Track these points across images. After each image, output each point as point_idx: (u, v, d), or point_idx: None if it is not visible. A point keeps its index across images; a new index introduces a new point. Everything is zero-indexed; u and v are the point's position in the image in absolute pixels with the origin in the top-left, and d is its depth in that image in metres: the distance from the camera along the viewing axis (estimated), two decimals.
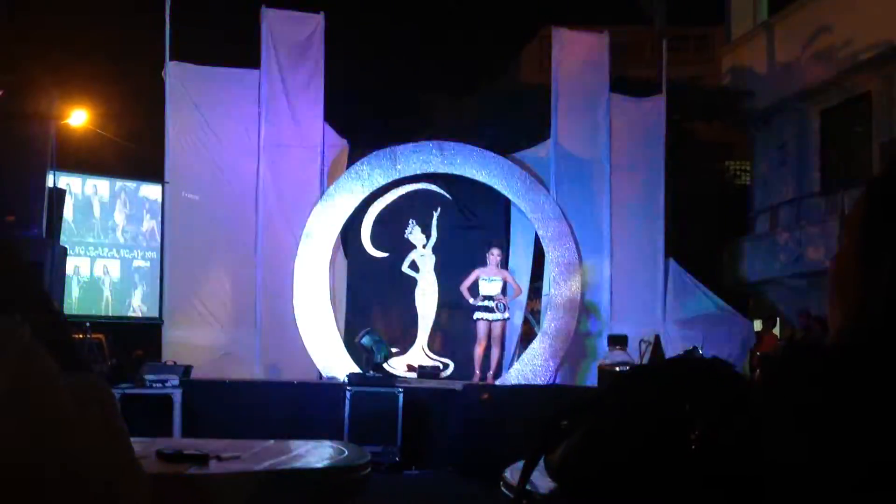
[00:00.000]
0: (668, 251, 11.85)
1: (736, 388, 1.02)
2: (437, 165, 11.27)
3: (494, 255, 10.79)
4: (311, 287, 10.63)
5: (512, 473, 2.93)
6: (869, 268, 1.01)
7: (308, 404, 9.00)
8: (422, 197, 11.63)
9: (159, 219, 10.31)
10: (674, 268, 11.85)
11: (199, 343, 10.03)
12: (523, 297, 11.60)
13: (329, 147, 11.23)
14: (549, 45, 12.31)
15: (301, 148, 10.99)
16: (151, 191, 10.37)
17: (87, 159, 11.89)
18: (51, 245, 7.90)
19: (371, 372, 9.86)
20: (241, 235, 10.64)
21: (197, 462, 2.93)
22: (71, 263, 9.21)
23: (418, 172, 11.32)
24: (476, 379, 10.46)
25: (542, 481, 1.24)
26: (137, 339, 10.86)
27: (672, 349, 10.56)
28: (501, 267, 10.99)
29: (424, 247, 11.53)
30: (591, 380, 10.10)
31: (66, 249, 8.51)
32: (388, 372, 10.50)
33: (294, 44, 11.11)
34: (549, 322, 11.17)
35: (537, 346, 11.13)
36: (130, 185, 10.33)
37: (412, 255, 11.52)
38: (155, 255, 10.28)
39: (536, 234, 11.44)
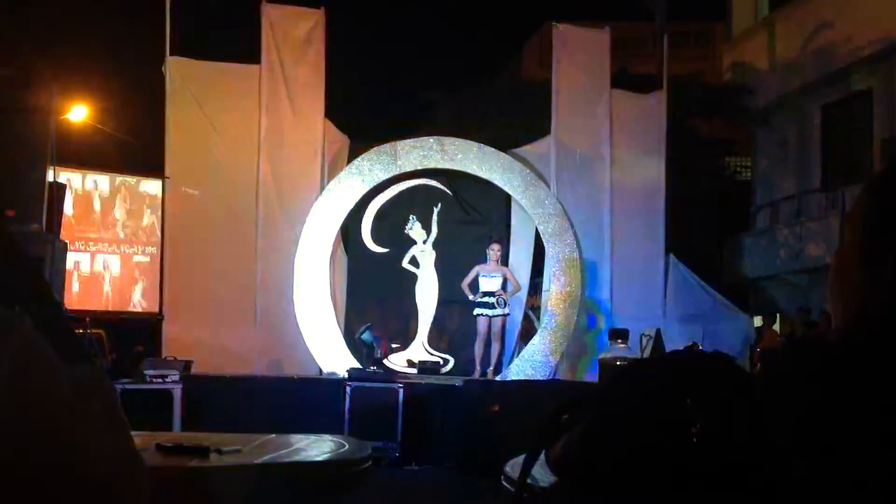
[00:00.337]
0: (668, 247, 11.85)
1: (736, 383, 1.02)
2: (438, 161, 11.27)
3: (494, 250, 10.79)
4: (311, 282, 10.64)
5: (513, 468, 2.94)
6: (871, 264, 1.02)
7: (308, 400, 9.00)
8: (422, 193, 11.62)
9: (159, 214, 10.31)
10: (674, 264, 11.85)
11: (199, 338, 10.03)
12: (523, 293, 11.60)
13: (329, 142, 11.23)
14: (549, 41, 12.29)
15: (301, 143, 10.99)
16: (151, 186, 10.36)
17: (87, 154, 11.88)
18: (51, 240, 7.89)
19: (371, 367, 9.87)
20: (242, 231, 10.64)
21: (197, 455, 2.93)
22: (71, 259, 9.20)
23: (418, 168, 11.31)
24: (477, 375, 10.47)
25: (542, 475, 1.24)
26: (137, 334, 10.86)
27: (672, 345, 10.55)
28: (501, 263, 10.99)
29: (425, 242, 11.52)
30: (592, 375, 10.10)
31: (66, 244, 8.50)
32: (388, 367, 10.51)
33: (294, 39, 11.10)
34: (550, 318, 11.17)
35: (537, 342, 11.13)
36: (131, 180, 10.32)
37: (412, 251, 11.52)
38: (155, 250, 10.28)
39: (537, 230, 11.43)
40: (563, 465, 1.13)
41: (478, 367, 10.60)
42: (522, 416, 7.81)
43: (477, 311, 10.63)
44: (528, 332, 11.71)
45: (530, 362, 10.99)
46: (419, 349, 11.38)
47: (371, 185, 11.13)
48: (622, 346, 9.28)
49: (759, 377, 1.06)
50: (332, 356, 10.49)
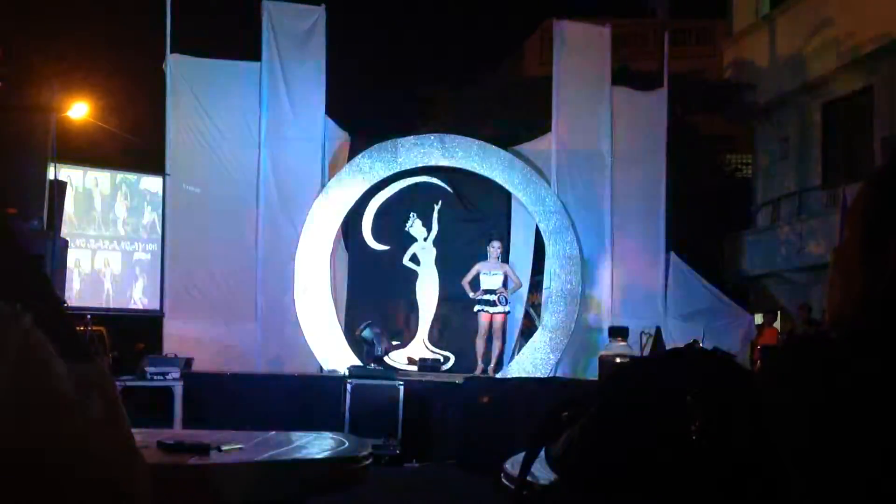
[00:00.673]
0: (669, 244, 11.84)
1: (736, 381, 1.02)
2: (438, 158, 11.27)
3: (495, 247, 10.80)
4: (311, 280, 10.64)
5: (513, 465, 2.94)
6: (871, 259, 1.01)
7: (309, 397, 9.01)
8: (423, 190, 11.62)
9: (160, 211, 10.30)
10: (675, 261, 11.84)
11: (199, 336, 10.04)
12: (524, 291, 11.60)
13: (330, 140, 11.23)
14: (550, 38, 12.28)
15: (302, 140, 10.99)
16: (152, 183, 10.36)
17: (87, 152, 11.88)
18: (51, 238, 7.90)
19: (372, 365, 9.87)
20: (242, 228, 10.65)
21: (198, 452, 2.93)
22: (72, 256, 9.19)
23: (419, 165, 11.31)
24: (479, 371, 10.48)
25: (542, 472, 1.24)
26: (138, 331, 10.87)
27: (673, 343, 10.55)
28: (502, 260, 10.99)
29: (425, 240, 11.52)
30: (592, 373, 10.10)
31: (66, 242, 8.50)
32: (388, 365, 10.51)
33: (295, 36, 11.09)
34: (550, 315, 11.17)
35: (538, 340, 11.14)
36: (131, 177, 10.32)
37: (413, 248, 11.52)
38: (156, 247, 10.28)
39: (537, 228, 11.43)
40: (562, 462, 1.13)
41: (480, 364, 10.61)
42: (522, 414, 7.83)
43: (478, 307, 10.64)
44: (528, 330, 11.71)
45: (531, 360, 11.00)
46: (420, 346, 11.39)
47: (372, 183, 11.13)
48: (622, 343, 9.30)
49: (759, 375, 1.06)
50: (333, 353, 10.50)
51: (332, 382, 9.42)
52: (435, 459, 8.84)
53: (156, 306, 10.23)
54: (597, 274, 11.50)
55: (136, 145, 13.66)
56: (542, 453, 1.18)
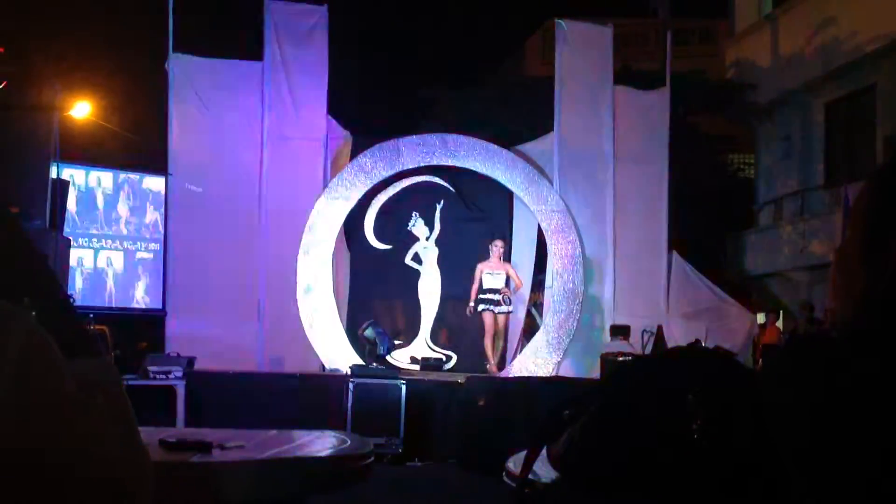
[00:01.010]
0: (671, 244, 11.84)
1: (738, 380, 1.03)
2: (441, 158, 11.27)
3: (498, 247, 10.82)
4: (314, 279, 10.64)
5: (515, 463, 2.94)
6: (872, 258, 1.01)
7: (311, 396, 9.01)
8: (425, 189, 11.62)
9: (162, 210, 10.32)
10: (677, 260, 11.84)
11: (202, 334, 10.04)
12: (526, 290, 11.61)
13: (332, 139, 11.23)
14: (552, 38, 12.28)
15: (304, 140, 10.99)
16: (155, 182, 10.37)
17: (90, 151, 11.87)
18: (54, 236, 7.91)
19: (374, 364, 9.88)
20: (245, 227, 10.65)
21: (200, 450, 2.94)
22: (74, 255, 9.21)
23: (421, 165, 11.31)
24: (493, 370, 10.53)
25: (544, 471, 1.25)
26: (141, 330, 10.87)
27: (675, 342, 10.55)
28: (504, 259, 11.00)
29: (427, 239, 11.53)
30: (594, 372, 10.10)
31: (69, 241, 8.52)
32: (390, 364, 10.51)
33: (297, 35, 11.10)
34: (552, 315, 11.17)
35: (540, 339, 11.14)
36: (134, 176, 10.33)
37: (415, 248, 11.52)
38: (158, 246, 10.29)
39: (539, 227, 11.43)
40: (564, 461, 1.13)
41: (491, 361, 10.65)
42: (524, 413, 7.83)
43: (482, 306, 10.65)
44: (530, 329, 11.71)
45: (533, 359, 11.00)
46: (422, 346, 11.39)
47: (374, 182, 11.13)
48: (624, 342, 9.33)
49: (760, 374, 1.06)
50: (335, 352, 10.50)
51: (334, 381, 9.42)
52: (437, 458, 8.84)
53: (158, 305, 10.24)
54: (599, 273, 11.50)
55: (139, 144, 13.66)
56: (544, 452, 1.18)
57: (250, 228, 10.66)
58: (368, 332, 10.25)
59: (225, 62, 11.00)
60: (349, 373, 9.48)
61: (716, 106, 16.46)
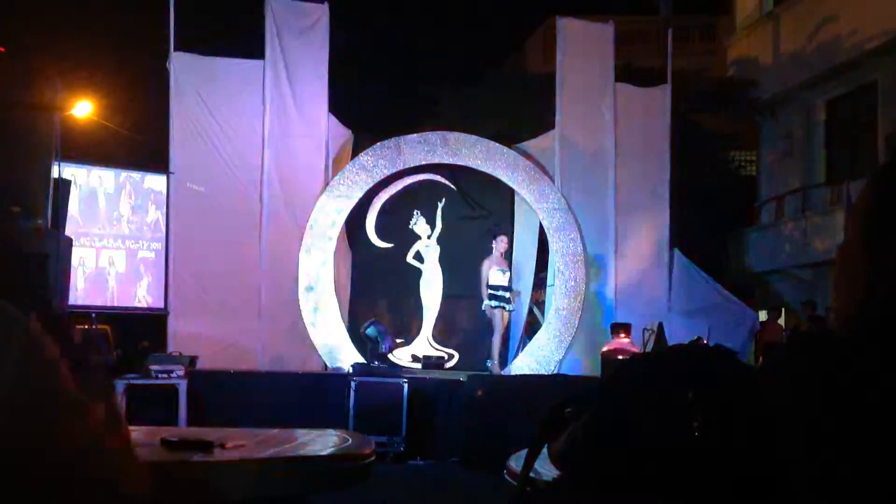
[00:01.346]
0: (673, 241, 11.84)
1: (738, 377, 1.02)
2: (442, 156, 11.27)
3: (504, 242, 10.85)
4: (315, 277, 10.65)
5: (516, 462, 2.94)
6: (875, 256, 1.01)
7: (313, 395, 9.02)
8: (426, 188, 11.63)
9: (164, 210, 10.32)
10: (679, 258, 11.84)
11: (204, 333, 10.05)
12: (528, 288, 11.62)
13: (333, 138, 11.24)
14: (553, 35, 12.27)
15: (305, 138, 11.00)
16: (156, 182, 10.37)
17: (91, 150, 11.87)
18: (56, 236, 7.92)
19: (376, 362, 9.88)
20: (246, 226, 10.65)
21: (201, 449, 2.94)
22: (76, 254, 9.21)
23: (423, 163, 11.32)
24: (498, 369, 10.55)
25: (546, 469, 1.25)
26: (143, 329, 10.87)
27: (677, 340, 10.55)
28: (506, 257, 11.03)
29: (429, 237, 11.53)
30: (596, 370, 10.10)
31: (71, 240, 8.52)
32: (392, 362, 10.52)
33: (298, 34, 11.10)
34: (554, 313, 11.18)
35: (542, 337, 11.14)
36: (135, 175, 10.33)
37: (417, 246, 11.53)
38: (160, 245, 10.29)
39: (541, 225, 11.43)
40: (565, 459, 1.13)
41: (497, 360, 10.66)
42: (526, 412, 7.83)
43: (495, 303, 10.66)
44: (532, 328, 11.72)
45: (535, 357, 11.01)
46: (424, 344, 11.40)
47: (375, 180, 11.14)
48: (625, 339, 9.31)
49: (760, 373, 1.06)
50: (337, 351, 10.51)
51: (336, 380, 9.43)
52: (439, 457, 8.85)
53: (160, 304, 10.25)
54: (601, 271, 11.50)
55: (141, 143, 13.65)
56: (545, 450, 1.18)
57: (252, 227, 10.66)
58: (370, 331, 10.26)
59: (226, 61, 11.00)
60: (351, 371, 9.49)
61: (717, 103, 16.43)
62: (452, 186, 11.64)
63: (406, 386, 8.98)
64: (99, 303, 9.92)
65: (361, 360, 10.01)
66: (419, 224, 11.52)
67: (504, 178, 11.31)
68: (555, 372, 10.70)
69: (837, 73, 14.51)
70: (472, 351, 11.20)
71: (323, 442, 3.65)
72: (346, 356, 10.35)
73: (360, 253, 11.59)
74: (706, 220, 14.89)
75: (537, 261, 11.76)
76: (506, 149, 11.40)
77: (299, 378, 9.55)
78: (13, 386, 0.80)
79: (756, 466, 0.96)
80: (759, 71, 16.12)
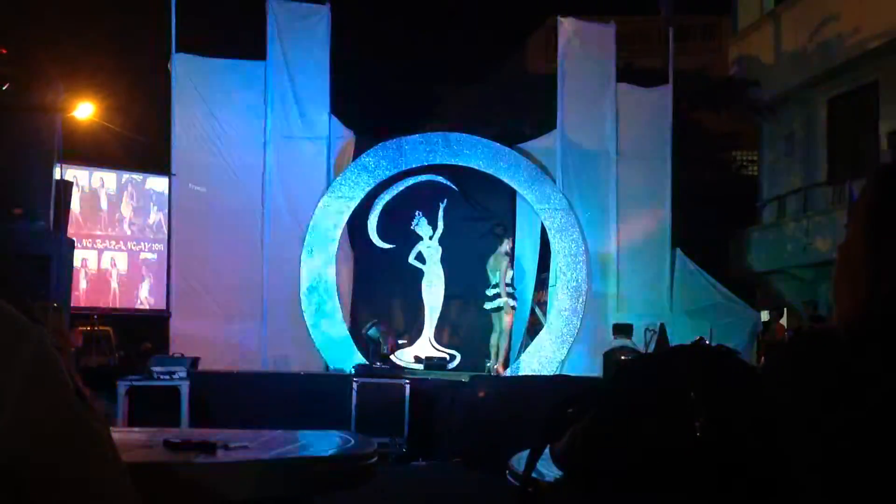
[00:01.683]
0: (674, 241, 11.83)
1: (740, 376, 1.02)
2: (443, 157, 11.27)
3: (511, 242, 10.89)
4: (317, 278, 10.65)
5: (518, 462, 2.94)
6: (877, 255, 1.01)
7: (315, 396, 9.01)
8: (428, 188, 11.62)
9: (166, 211, 10.33)
10: (680, 258, 11.82)
11: (206, 335, 10.06)
12: (530, 289, 11.62)
13: (335, 138, 11.24)
14: (555, 35, 12.27)
15: (307, 139, 11.00)
16: (158, 183, 10.38)
17: (93, 152, 11.89)
18: (58, 237, 7.93)
19: (378, 363, 9.88)
20: (248, 227, 10.66)
21: (204, 450, 2.94)
22: (78, 256, 9.23)
23: (424, 164, 11.32)
24: (501, 370, 10.56)
25: (548, 469, 1.25)
26: (145, 331, 10.89)
27: (679, 340, 10.53)
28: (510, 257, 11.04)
29: (431, 238, 11.52)
30: (598, 370, 10.09)
31: (73, 242, 8.53)
32: (394, 363, 10.52)
33: (299, 35, 11.10)
34: (556, 313, 11.17)
35: (544, 338, 11.14)
36: (137, 177, 10.34)
37: (419, 247, 11.52)
38: (162, 247, 10.30)
39: (543, 225, 11.42)
40: (567, 459, 1.13)
41: (501, 360, 10.67)
42: (529, 412, 7.82)
43: (512, 303, 10.70)
44: (534, 328, 11.71)
45: (537, 357, 11.00)
46: (426, 345, 11.39)
47: (377, 181, 11.14)
48: (626, 340, 9.30)
49: (762, 372, 1.06)
50: (339, 352, 10.51)
51: (338, 381, 9.43)
52: (441, 458, 8.84)
53: (162, 306, 10.26)
54: (602, 271, 11.49)
55: (142, 145, 13.67)
56: (547, 450, 1.18)
57: (253, 228, 10.67)
58: (372, 332, 10.26)
59: (227, 62, 11.01)
60: (353, 372, 9.48)
61: (718, 103, 16.42)
62: (454, 187, 11.64)
63: (408, 387, 8.97)
64: (101, 304, 9.93)
65: (363, 361, 10.01)
66: (421, 225, 11.52)
67: (506, 179, 11.31)
68: (557, 372, 10.69)
69: (839, 72, 14.49)
70: (473, 351, 11.19)
71: (325, 443, 3.65)
72: (348, 357, 10.35)
73: (361, 253, 11.58)
74: (708, 219, 14.88)
75: (539, 261, 11.75)
76: (507, 149, 11.40)
77: (301, 379, 9.55)
78: (21, 396, 0.80)
79: (758, 465, 0.96)
80: (761, 70, 16.11)
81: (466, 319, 11.41)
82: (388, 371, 9.63)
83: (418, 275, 11.51)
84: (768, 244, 15.47)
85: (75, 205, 9.42)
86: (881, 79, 14.01)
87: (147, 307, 10.33)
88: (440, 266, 11.50)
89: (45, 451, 0.81)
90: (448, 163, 11.33)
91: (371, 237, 11.51)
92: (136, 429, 4.88)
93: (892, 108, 13.78)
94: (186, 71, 10.69)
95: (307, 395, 8.96)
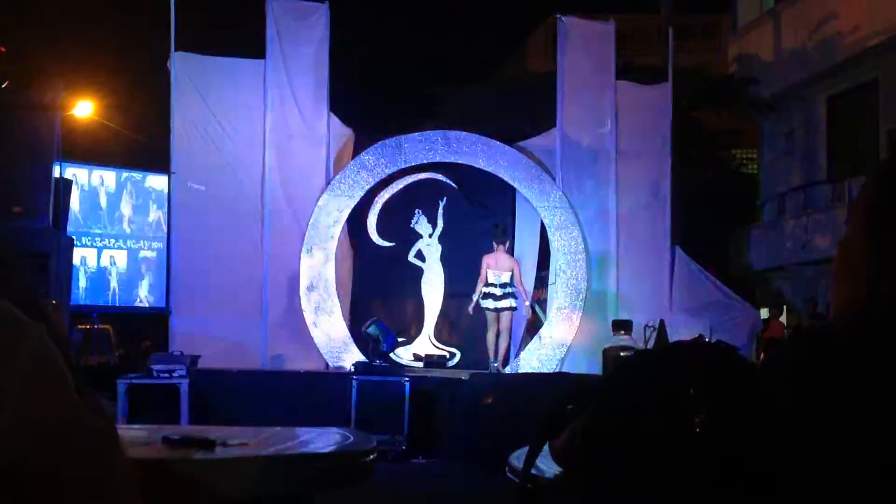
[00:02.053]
0: (674, 239, 11.82)
1: (739, 373, 1.02)
2: (443, 154, 11.26)
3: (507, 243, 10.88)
4: (316, 276, 10.65)
5: (518, 459, 2.94)
6: (877, 253, 1.01)
7: (315, 394, 9.01)
8: (428, 186, 11.62)
9: (166, 209, 10.33)
10: (680, 256, 11.82)
11: (205, 333, 10.05)
12: (530, 287, 11.61)
13: (335, 136, 11.22)
14: (555, 34, 12.26)
15: (306, 137, 10.99)
16: (157, 181, 10.38)
17: (93, 150, 11.90)
18: (57, 235, 7.93)
19: (377, 361, 9.88)
20: (248, 225, 10.65)
21: (203, 447, 2.94)
22: (78, 254, 9.24)
23: (424, 162, 11.31)
24: (503, 368, 10.56)
25: (547, 466, 1.25)
26: (145, 329, 10.90)
27: (678, 337, 10.52)
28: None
29: (430, 236, 11.52)
30: (597, 368, 10.09)
31: (72, 240, 8.54)
32: (394, 361, 10.52)
33: (299, 33, 11.09)
34: (555, 311, 11.17)
35: (544, 335, 11.14)
36: (137, 175, 10.35)
37: (418, 245, 11.52)
38: (161, 245, 10.31)
39: (542, 223, 11.42)
40: (566, 456, 1.13)
41: (501, 359, 10.65)
42: (528, 410, 7.83)
43: (514, 302, 10.70)
44: (534, 326, 11.71)
45: (536, 355, 11.00)
46: (425, 343, 11.40)
47: (376, 180, 11.13)
48: (626, 337, 9.30)
49: (761, 369, 1.06)
50: (339, 350, 10.51)
51: (337, 379, 9.43)
52: (441, 455, 8.85)
53: (162, 304, 10.26)
54: (602, 269, 11.49)
55: (141, 143, 13.68)
56: (547, 448, 1.18)
57: (253, 226, 10.66)
58: (372, 330, 10.25)
59: (227, 60, 10.99)
60: (353, 370, 9.48)
61: (718, 101, 16.43)
62: (454, 185, 11.64)
63: (408, 384, 8.97)
64: (100, 302, 9.94)
65: (363, 358, 10.01)
66: (421, 223, 11.52)
67: (505, 177, 11.31)
68: (556, 370, 10.70)
69: (838, 70, 14.50)
70: (473, 349, 11.19)
71: (325, 440, 3.65)
72: (347, 355, 10.36)
73: (361, 252, 11.58)
74: (707, 217, 14.90)
75: (539, 259, 11.75)
76: (507, 147, 11.39)
77: (301, 377, 9.55)
78: (21, 395, 0.80)
79: (757, 463, 0.96)
80: (760, 68, 16.11)
81: (466, 317, 11.40)
82: (388, 369, 9.63)
83: (418, 273, 11.52)
84: (768, 242, 15.49)
85: (75, 203, 9.42)
86: (881, 77, 14.02)
87: (146, 305, 10.33)
88: (440, 264, 11.50)
89: (46, 451, 0.81)
90: (448, 161, 11.33)
91: (371, 235, 11.51)
92: (136, 426, 4.88)
93: (891, 106, 13.79)
94: (186, 69, 10.68)
95: (307, 393, 8.96)
